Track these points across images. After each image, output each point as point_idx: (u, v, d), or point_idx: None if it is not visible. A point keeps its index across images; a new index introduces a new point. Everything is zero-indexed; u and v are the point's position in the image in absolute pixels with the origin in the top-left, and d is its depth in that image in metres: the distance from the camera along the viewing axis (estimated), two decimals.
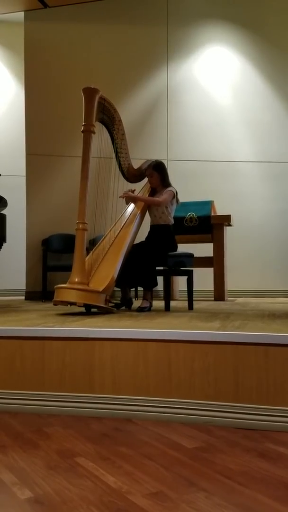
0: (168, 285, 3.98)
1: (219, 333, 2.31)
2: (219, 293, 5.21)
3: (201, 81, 6.13)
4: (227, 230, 5.41)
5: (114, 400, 2.33)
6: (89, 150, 3.77)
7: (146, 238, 4.18)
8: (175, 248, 4.12)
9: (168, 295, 3.96)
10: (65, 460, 1.76)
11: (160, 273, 3.94)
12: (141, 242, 4.11)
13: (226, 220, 5.26)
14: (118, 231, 4.01)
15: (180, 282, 5.20)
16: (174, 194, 4.08)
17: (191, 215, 5.28)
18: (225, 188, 5.95)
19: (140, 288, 4.42)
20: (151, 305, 3.89)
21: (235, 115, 6.15)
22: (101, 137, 3.98)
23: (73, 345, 2.43)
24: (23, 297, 5.68)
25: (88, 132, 3.78)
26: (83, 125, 3.80)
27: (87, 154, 3.77)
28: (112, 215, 4.20)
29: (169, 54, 6.06)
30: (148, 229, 4.19)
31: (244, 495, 1.47)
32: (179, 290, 5.40)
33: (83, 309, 3.64)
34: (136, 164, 4.25)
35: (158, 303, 4.24)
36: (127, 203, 4.25)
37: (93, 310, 3.67)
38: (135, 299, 4.97)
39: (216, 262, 5.22)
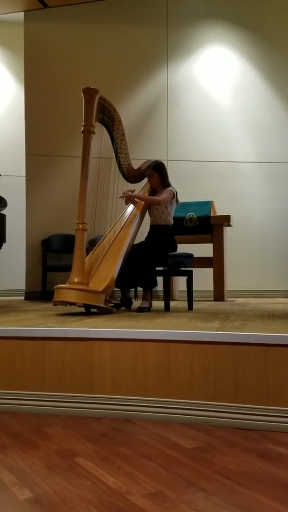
0: (167, 285, 3.98)
1: (218, 334, 2.31)
2: (218, 293, 5.21)
3: (201, 81, 6.14)
4: (227, 231, 5.41)
5: (113, 400, 2.33)
6: (89, 150, 3.77)
7: (146, 238, 4.18)
8: (175, 248, 4.12)
9: (167, 295, 3.97)
10: (64, 460, 1.76)
11: (160, 273, 3.94)
12: (141, 242, 4.11)
13: (225, 220, 5.27)
14: (118, 231, 4.01)
15: (180, 282, 5.20)
16: (174, 194, 4.09)
17: (190, 215, 5.28)
18: (225, 188, 5.95)
19: (139, 288, 4.42)
20: (150, 305, 3.89)
21: (235, 115, 6.15)
22: (101, 137, 3.99)
23: (73, 345, 2.43)
24: (23, 297, 5.68)
25: (88, 133, 3.79)
26: (83, 125, 3.80)
27: (87, 155, 3.77)
28: (112, 215, 4.20)
29: (169, 54, 6.06)
30: (148, 229, 4.19)
31: (243, 495, 1.47)
32: (179, 290, 5.40)
33: (82, 309, 3.64)
34: (136, 164, 4.25)
35: (158, 303, 4.24)
36: (127, 203, 4.25)
37: (92, 310, 3.67)
38: (135, 299, 4.97)
39: (215, 262, 5.22)
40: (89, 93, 3.80)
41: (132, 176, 4.23)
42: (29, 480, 1.59)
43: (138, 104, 5.97)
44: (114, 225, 4.13)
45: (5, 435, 2.06)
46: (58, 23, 5.83)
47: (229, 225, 5.35)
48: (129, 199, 4.19)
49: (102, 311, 3.61)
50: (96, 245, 4.04)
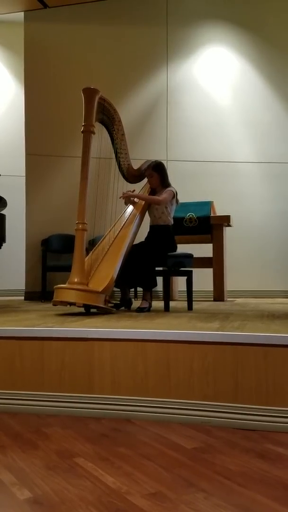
0: (167, 286, 3.98)
1: (218, 334, 2.31)
2: (218, 293, 5.21)
3: (201, 82, 6.14)
4: (227, 231, 5.41)
5: (113, 400, 2.33)
6: (88, 151, 3.77)
7: (146, 238, 4.18)
8: (175, 248, 4.12)
9: (167, 295, 3.97)
10: (64, 461, 1.76)
11: (159, 273, 3.94)
12: (141, 243, 4.11)
13: (225, 220, 5.27)
14: (117, 232, 4.01)
15: (180, 283, 5.20)
16: (174, 194, 4.08)
17: (190, 215, 5.29)
18: (225, 188, 5.95)
19: (139, 289, 4.42)
20: (150, 305, 3.89)
21: (235, 115, 6.15)
22: (101, 138, 3.99)
23: (73, 346, 2.43)
24: (23, 297, 5.68)
25: (88, 133, 3.79)
26: (83, 125, 3.80)
27: (87, 155, 3.77)
28: (111, 216, 4.20)
29: (169, 54, 6.06)
30: (148, 230, 4.19)
31: (243, 495, 1.47)
32: (179, 291, 5.40)
33: (82, 310, 3.64)
34: (135, 165, 4.25)
35: (158, 304, 4.24)
36: (126, 204, 4.25)
37: (92, 310, 3.67)
38: (135, 300, 4.97)
39: (215, 262, 5.23)
40: (89, 93, 3.80)
41: (132, 176, 4.23)
42: (29, 480, 1.59)
43: (138, 104, 5.97)
44: (114, 225, 4.13)
45: (4, 435, 2.06)
46: (58, 23, 5.83)
47: (229, 225, 5.35)
48: (128, 199, 4.19)
49: (101, 311, 3.61)
50: (96, 245, 4.04)
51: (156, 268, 3.93)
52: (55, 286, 3.60)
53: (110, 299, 3.84)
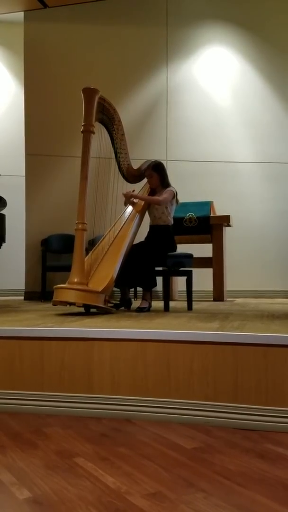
0: (167, 286, 3.98)
1: (218, 334, 2.31)
2: (218, 293, 5.21)
3: (201, 82, 6.14)
4: (227, 231, 5.41)
5: (113, 400, 2.33)
6: (88, 151, 3.77)
7: (146, 238, 4.18)
8: (175, 248, 4.12)
9: (167, 295, 3.97)
10: (64, 461, 1.76)
11: (159, 273, 3.94)
12: (141, 243, 4.11)
13: (225, 220, 5.27)
14: (117, 231, 4.01)
15: (180, 283, 5.20)
16: (174, 194, 4.08)
17: (190, 215, 5.29)
18: (225, 188, 5.95)
19: (139, 289, 4.42)
20: (150, 305, 3.89)
21: (235, 115, 6.15)
22: (100, 138, 3.98)
23: (72, 345, 2.43)
24: (22, 297, 5.68)
25: (87, 133, 3.79)
26: (82, 125, 3.80)
27: (87, 155, 3.77)
28: (111, 215, 4.21)
29: (169, 54, 6.06)
30: (148, 229, 4.19)
31: (243, 495, 1.47)
32: (179, 291, 5.40)
33: (82, 309, 3.64)
34: (135, 165, 4.25)
35: (157, 304, 4.24)
36: (126, 204, 4.25)
37: (92, 310, 3.67)
38: (134, 300, 4.97)
39: (215, 262, 5.23)
40: (89, 93, 3.80)
41: (132, 176, 4.23)
42: (28, 480, 1.59)
43: (138, 104, 5.97)
44: (114, 225, 4.13)
45: (4, 435, 2.06)
46: (57, 23, 5.83)
47: (228, 225, 5.35)
48: (128, 200, 4.19)
49: (101, 311, 3.61)
50: (96, 245, 4.04)
51: (156, 268, 3.93)
52: (55, 286, 3.60)
53: (110, 299, 3.84)
